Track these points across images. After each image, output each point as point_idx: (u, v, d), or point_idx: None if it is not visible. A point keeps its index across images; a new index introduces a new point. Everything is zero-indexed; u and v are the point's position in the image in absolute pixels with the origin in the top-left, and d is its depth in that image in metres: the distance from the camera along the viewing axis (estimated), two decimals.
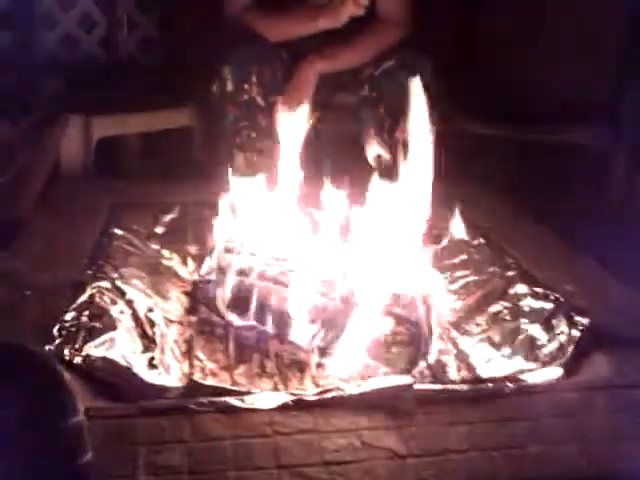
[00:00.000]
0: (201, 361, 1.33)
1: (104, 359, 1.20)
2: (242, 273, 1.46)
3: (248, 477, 1.00)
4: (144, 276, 1.56)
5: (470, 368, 1.34)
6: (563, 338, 1.33)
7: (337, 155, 2.01)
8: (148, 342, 1.32)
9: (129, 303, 1.40)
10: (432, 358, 1.34)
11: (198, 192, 2.00)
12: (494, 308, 1.50)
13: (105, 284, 1.43)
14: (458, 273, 1.66)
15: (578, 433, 1.11)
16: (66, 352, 1.20)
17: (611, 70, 2.24)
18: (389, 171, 1.56)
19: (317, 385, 1.25)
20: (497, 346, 1.39)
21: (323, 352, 1.33)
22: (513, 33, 2.43)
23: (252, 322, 1.42)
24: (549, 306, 1.43)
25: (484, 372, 1.32)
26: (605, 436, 1.11)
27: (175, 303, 1.53)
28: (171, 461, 1.01)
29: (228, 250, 1.55)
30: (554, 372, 1.25)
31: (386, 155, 1.86)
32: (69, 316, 1.30)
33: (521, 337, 1.39)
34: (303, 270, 1.42)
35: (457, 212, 1.77)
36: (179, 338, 1.40)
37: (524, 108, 2.26)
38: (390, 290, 1.38)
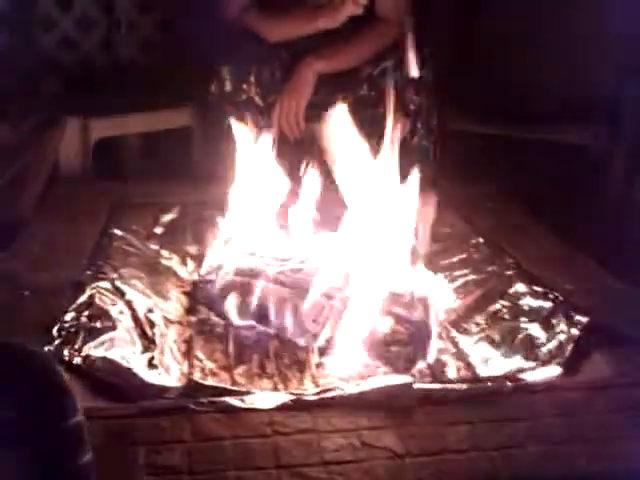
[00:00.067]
0: (201, 361, 1.32)
1: (104, 359, 1.20)
2: (242, 273, 1.46)
3: (248, 477, 1.00)
4: (143, 276, 1.56)
5: (469, 367, 1.33)
6: (562, 337, 1.33)
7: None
8: (148, 342, 1.32)
9: (129, 303, 1.40)
10: (431, 357, 1.34)
11: (198, 192, 2.00)
12: (493, 307, 1.50)
13: (105, 284, 1.44)
14: (457, 272, 1.66)
15: (578, 433, 1.11)
16: (66, 352, 1.20)
17: (611, 70, 2.24)
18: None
19: (317, 385, 1.25)
20: (496, 345, 1.39)
21: (323, 352, 1.33)
22: (513, 33, 2.43)
23: (252, 322, 1.42)
24: (548, 305, 1.44)
25: (483, 371, 1.31)
26: (605, 435, 1.11)
27: (175, 303, 1.53)
28: (171, 461, 1.01)
29: (228, 250, 1.56)
30: (553, 371, 1.25)
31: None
32: (69, 316, 1.31)
33: (520, 336, 1.39)
34: (303, 270, 1.42)
35: (457, 212, 1.77)
36: (179, 338, 1.40)
37: (524, 108, 2.26)
38: (389, 289, 1.38)
